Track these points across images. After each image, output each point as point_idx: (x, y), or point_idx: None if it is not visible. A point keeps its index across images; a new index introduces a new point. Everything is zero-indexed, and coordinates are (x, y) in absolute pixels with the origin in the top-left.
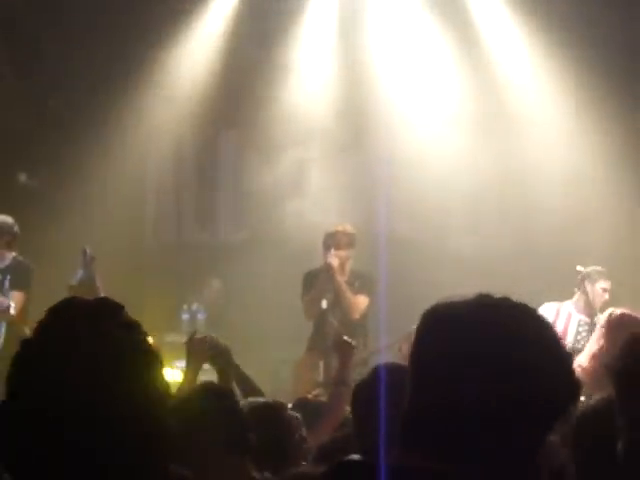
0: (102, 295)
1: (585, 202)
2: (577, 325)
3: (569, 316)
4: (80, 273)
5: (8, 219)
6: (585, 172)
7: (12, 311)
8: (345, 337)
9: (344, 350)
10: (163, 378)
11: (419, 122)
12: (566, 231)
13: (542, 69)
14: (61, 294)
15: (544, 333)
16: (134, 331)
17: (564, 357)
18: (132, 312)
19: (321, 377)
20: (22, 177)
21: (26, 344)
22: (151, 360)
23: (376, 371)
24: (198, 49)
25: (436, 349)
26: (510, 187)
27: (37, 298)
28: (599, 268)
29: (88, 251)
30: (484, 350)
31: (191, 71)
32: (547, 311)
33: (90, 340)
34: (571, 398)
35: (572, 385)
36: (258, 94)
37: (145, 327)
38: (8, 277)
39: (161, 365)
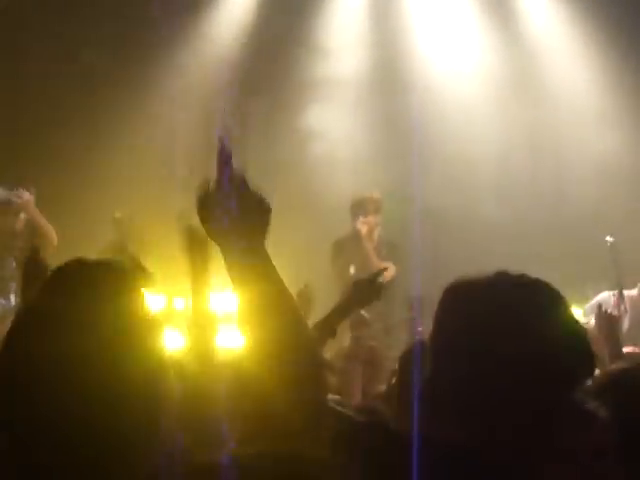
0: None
1: (618, 176)
2: None
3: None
4: (111, 237)
5: None
6: (619, 149)
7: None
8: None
9: (357, 326)
10: (161, 348)
11: (451, 90)
12: (598, 203)
13: (581, 43)
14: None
15: (557, 309)
16: (134, 299)
17: (578, 331)
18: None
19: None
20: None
21: (24, 311)
22: (148, 330)
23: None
24: (229, 16)
25: (455, 325)
26: (542, 157)
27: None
28: None
29: (118, 215)
30: (500, 327)
31: (221, 37)
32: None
33: (89, 308)
34: (586, 369)
35: (586, 357)
36: (287, 63)
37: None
38: None
39: (159, 333)
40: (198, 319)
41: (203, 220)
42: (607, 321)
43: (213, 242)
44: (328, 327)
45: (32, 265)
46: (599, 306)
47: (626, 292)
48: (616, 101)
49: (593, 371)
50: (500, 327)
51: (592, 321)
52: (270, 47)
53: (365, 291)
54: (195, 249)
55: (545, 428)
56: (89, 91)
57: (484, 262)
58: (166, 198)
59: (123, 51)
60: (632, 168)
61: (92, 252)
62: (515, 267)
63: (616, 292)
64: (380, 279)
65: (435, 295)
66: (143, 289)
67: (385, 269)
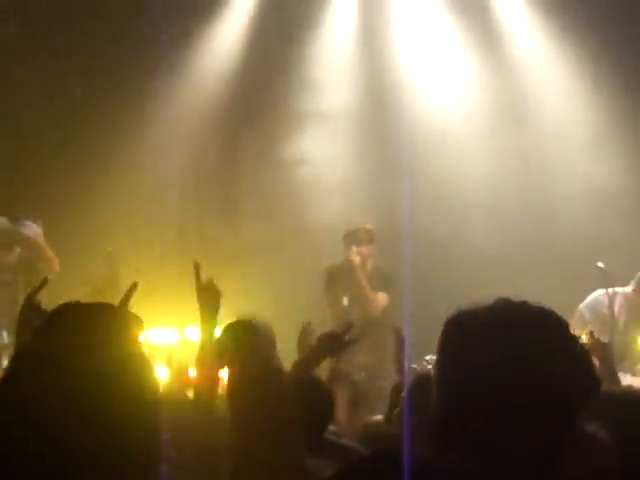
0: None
1: (606, 198)
2: None
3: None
4: (102, 272)
5: None
6: (608, 172)
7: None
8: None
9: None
10: (153, 383)
11: (440, 118)
12: (586, 225)
13: (570, 73)
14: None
15: (560, 336)
16: (125, 337)
17: (580, 358)
18: (155, 304)
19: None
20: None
21: (22, 350)
22: (141, 366)
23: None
24: (221, 47)
25: (458, 356)
26: (530, 182)
27: (60, 295)
28: None
29: (110, 250)
30: (502, 356)
31: (214, 68)
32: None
33: (83, 348)
34: (591, 395)
35: (589, 384)
36: (277, 92)
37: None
38: None
39: (150, 369)
40: (206, 356)
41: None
42: (599, 346)
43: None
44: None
45: (29, 307)
46: (591, 333)
47: (621, 289)
48: (605, 125)
49: (597, 397)
50: (507, 358)
51: (588, 316)
52: (260, 78)
53: (329, 346)
54: (208, 296)
55: (553, 454)
56: (82, 126)
57: (474, 287)
58: (158, 231)
59: (112, 83)
60: (621, 191)
61: (86, 284)
62: (504, 291)
63: (609, 292)
64: (347, 334)
65: (426, 320)
66: (133, 329)
67: (352, 325)
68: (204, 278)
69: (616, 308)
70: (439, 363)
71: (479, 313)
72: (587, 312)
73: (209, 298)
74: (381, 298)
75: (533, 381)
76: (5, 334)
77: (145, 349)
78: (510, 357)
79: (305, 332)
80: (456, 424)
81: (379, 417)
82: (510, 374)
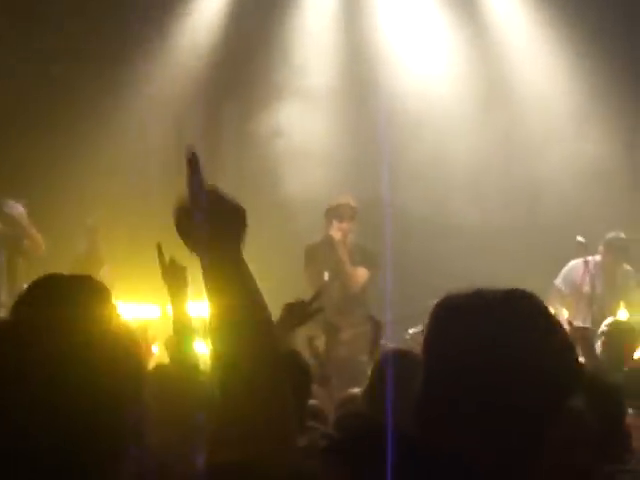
0: (105, 265)
1: (590, 174)
2: None
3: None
4: (83, 244)
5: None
6: (592, 150)
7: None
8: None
9: (329, 333)
10: (135, 353)
11: (422, 95)
12: (571, 204)
13: (552, 50)
14: (65, 265)
15: (544, 326)
16: (104, 308)
17: (563, 348)
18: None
19: (321, 347)
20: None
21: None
22: (120, 336)
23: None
24: (201, 22)
25: (444, 341)
26: (513, 159)
27: (43, 267)
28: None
29: (90, 222)
30: (491, 341)
31: (194, 43)
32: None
33: (64, 318)
34: (570, 387)
35: (571, 374)
36: (258, 67)
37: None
38: None
39: (131, 338)
40: (179, 329)
41: (181, 234)
42: (580, 333)
43: (193, 255)
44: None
45: None
46: (569, 322)
47: (591, 258)
48: (588, 102)
49: (577, 387)
50: (495, 343)
51: (564, 289)
52: (240, 53)
53: (296, 314)
54: (173, 275)
55: (537, 438)
56: (62, 104)
57: (454, 264)
58: (140, 205)
59: (95, 62)
60: (605, 167)
61: (66, 258)
62: (487, 268)
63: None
64: (316, 304)
65: (407, 296)
66: (112, 300)
67: (320, 294)
68: (167, 258)
69: (588, 278)
70: (427, 345)
71: (469, 298)
72: (563, 286)
73: (174, 278)
74: (361, 274)
75: (520, 367)
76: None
77: (124, 320)
78: (498, 342)
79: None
80: (443, 404)
81: (356, 390)
82: (497, 359)
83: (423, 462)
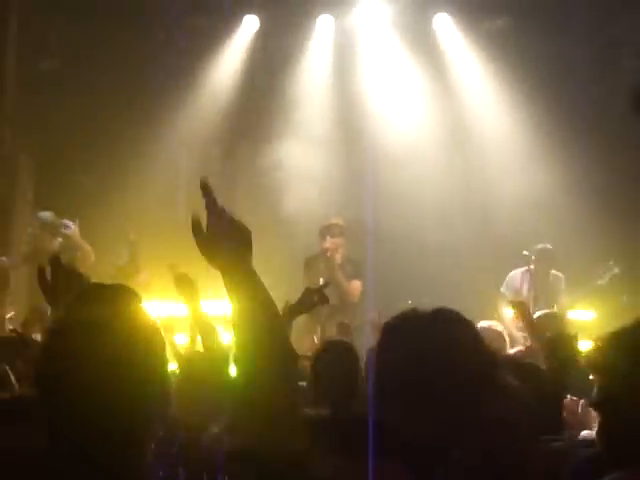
0: (143, 272)
1: (535, 204)
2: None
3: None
4: (125, 256)
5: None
6: (537, 182)
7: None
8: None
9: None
10: (162, 343)
11: (398, 136)
12: (517, 226)
13: (507, 98)
14: (110, 273)
15: (467, 330)
16: (139, 314)
17: (480, 351)
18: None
19: (317, 340)
20: (81, 177)
21: (51, 332)
22: (153, 331)
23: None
24: (219, 77)
25: (391, 353)
26: (473, 189)
27: (97, 272)
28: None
29: (131, 237)
30: (420, 351)
31: (214, 94)
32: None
33: (107, 325)
34: (488, 373)
35: (487, 363)
36: (265, 113)
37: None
38: None
39: (161, 341)
40: (199, 326)
41: (201, 251)
42: (519, 306)
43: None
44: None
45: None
46: (511, 302)
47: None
48: (536, 143)
49: (492, 369)
50: (429, 351)
51: (508, 294)
52: (252, 103)
53: (312, 296)
54: (183, 286)
55: (474, 401)
56: (105, 139)
57: (425, 273)
58: (168, 223)
59: (134, 110)
60: (547, 199)
61: (111, 266)
62: (450, 276)
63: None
64: (324, 290)
65: (387, 301)
66: (141, 302)
67: (327, 284)
68: (180, 272)
69: (526, 285)
70: (376, 356)
71: (406, 319)
72: (507, 291)
73: (185, 288)
74: (356, 286)
75: (445, 363)
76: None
77: (157, 324)
78: (429, 348)
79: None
80: (390, 396)
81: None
82: (427, 360)
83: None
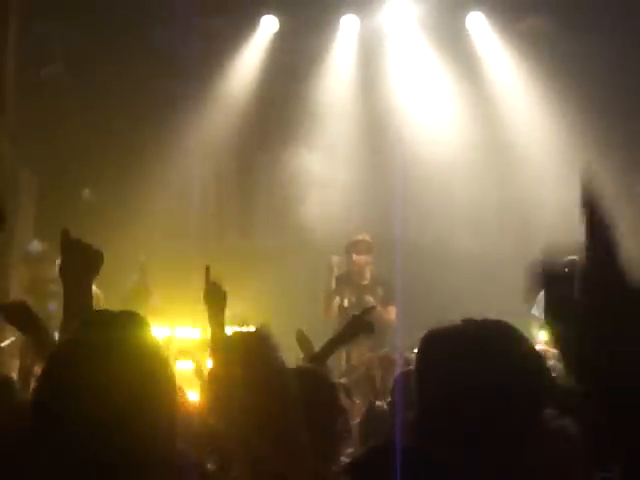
0: (154, 294)
1: (574, 216)
2: None
3: None
4: (135, 277)
5: None
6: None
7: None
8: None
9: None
10: (171, 378)
11: (429, 144)
12: (557, 235)
13: (544, 102)
14: (119, 296)
15: (519, 346)
16: (149, 340)
17: (538, 363)
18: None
19: (343, 366)
20: (86, 193)
21: (52, 357)
22: (161, 357)
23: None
24: (237, 85)
25: (433, 367)
26: (508, 200)
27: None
28: None
29: (142, 258)
30: (467, 368)
31: (232, 103)
32: None
33: (114, 350)
34: (546, 394)
35: (546, 383)
36: (286, 122)
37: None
38: None
39: (169, 367)
40: (217, 346)
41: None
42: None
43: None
44: (324, 355)
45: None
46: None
47: None
48: (574, 152)
49: (553, 394)
50: (473, 368)
51: (538, 315)
52: (271, 109)
53: (359, 325)
54: (214, 296)
55: (518, 446)
56: (112, 150)
57: (458, 290)
58: (180, 244)
59: (147, 122)
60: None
61: (121, 288)
62: (485, 293)
63: None
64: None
65: (416, 317)
66: (149, 327)
67: (374, 306)
68: (214, 280)
69: None
70: (416, 371)
71: (448, 332)
72: (537, 313)
73: (215, 298)
74: (391, 313)
75: (495, 385)
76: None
77: (165, 349)
78: (471, 368)
79: (303, 335)
80: (436, 422)
81: (379, 403)
82: (471, 382)
83: (422, 471)
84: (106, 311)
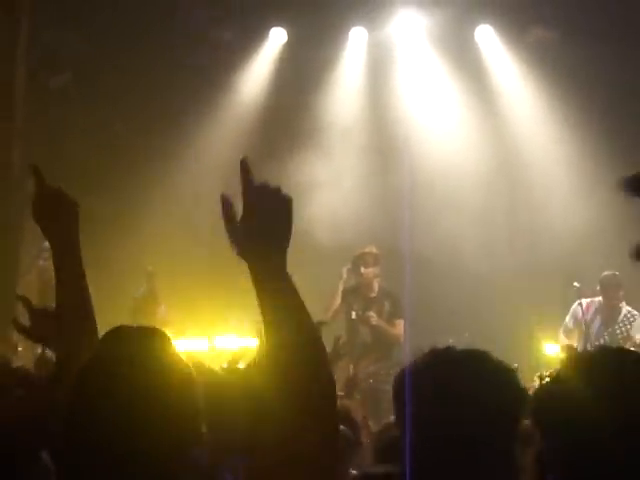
0: (162, 305)
1: (583, 236)
2: None
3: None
4: (143, 288)
5: None
6: (585, 213)
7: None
8: None
9: None
10: (193, 391)
11: (438, 160)
12: (564, 254)
13: (555, 116)
14: (126, 305)
15: (496, 375)
16: (172, 354)
17: (509, 387)
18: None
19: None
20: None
21: (81, 372)
22: (183, 378)
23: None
24: (246, 95)
25: (424, 389)
26: (516, 214)
27: (106, 309)
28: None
29: (150, 269)
30: (451, 390)
31: (240, 111)
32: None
33: (136, 366)
34: (517, 409)
35: (516, 401)
36: (294, 131)
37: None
38: None
39: (191, 379)
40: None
41: (231, 238)
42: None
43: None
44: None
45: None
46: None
47: (597, 298)
48: (585, 175)
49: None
50: (454, 394)
51: (571, 325)
52: (280, 119)
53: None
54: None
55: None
56: (120, 160)
57: (465, 304)
58: (189, 253)
59: (155, 133)
60: (596, 231)
61: (129, 298)
62: (493, 307)
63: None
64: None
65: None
66: (170, 341)
67: (339, 338)
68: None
69: (589, 315)
70: (412, 390)
71: (433, 359)
72: (570, 322)
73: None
74: (399, 327)
75: (473, 407)
76: None
77: (186, 363)
78: (453, 391)
79: (338, 343)
80: (420, 452)
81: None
82: (458, 409)
83: None
84: (130, 326)
